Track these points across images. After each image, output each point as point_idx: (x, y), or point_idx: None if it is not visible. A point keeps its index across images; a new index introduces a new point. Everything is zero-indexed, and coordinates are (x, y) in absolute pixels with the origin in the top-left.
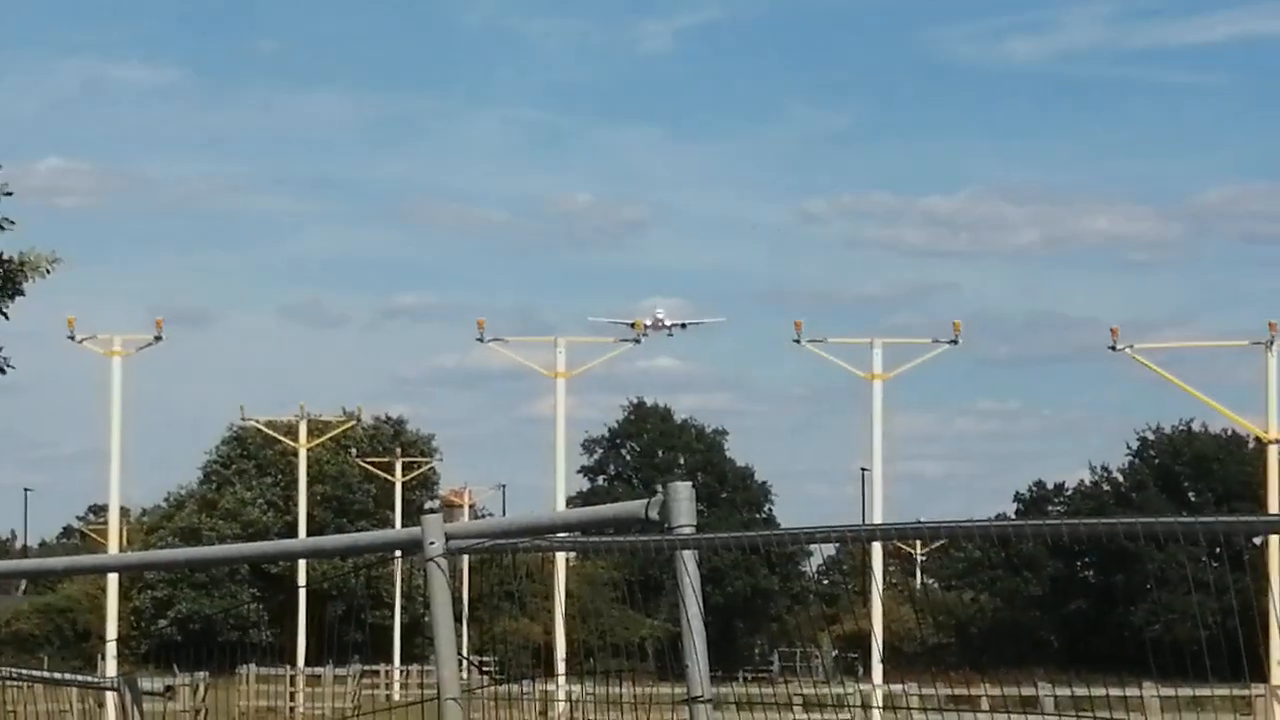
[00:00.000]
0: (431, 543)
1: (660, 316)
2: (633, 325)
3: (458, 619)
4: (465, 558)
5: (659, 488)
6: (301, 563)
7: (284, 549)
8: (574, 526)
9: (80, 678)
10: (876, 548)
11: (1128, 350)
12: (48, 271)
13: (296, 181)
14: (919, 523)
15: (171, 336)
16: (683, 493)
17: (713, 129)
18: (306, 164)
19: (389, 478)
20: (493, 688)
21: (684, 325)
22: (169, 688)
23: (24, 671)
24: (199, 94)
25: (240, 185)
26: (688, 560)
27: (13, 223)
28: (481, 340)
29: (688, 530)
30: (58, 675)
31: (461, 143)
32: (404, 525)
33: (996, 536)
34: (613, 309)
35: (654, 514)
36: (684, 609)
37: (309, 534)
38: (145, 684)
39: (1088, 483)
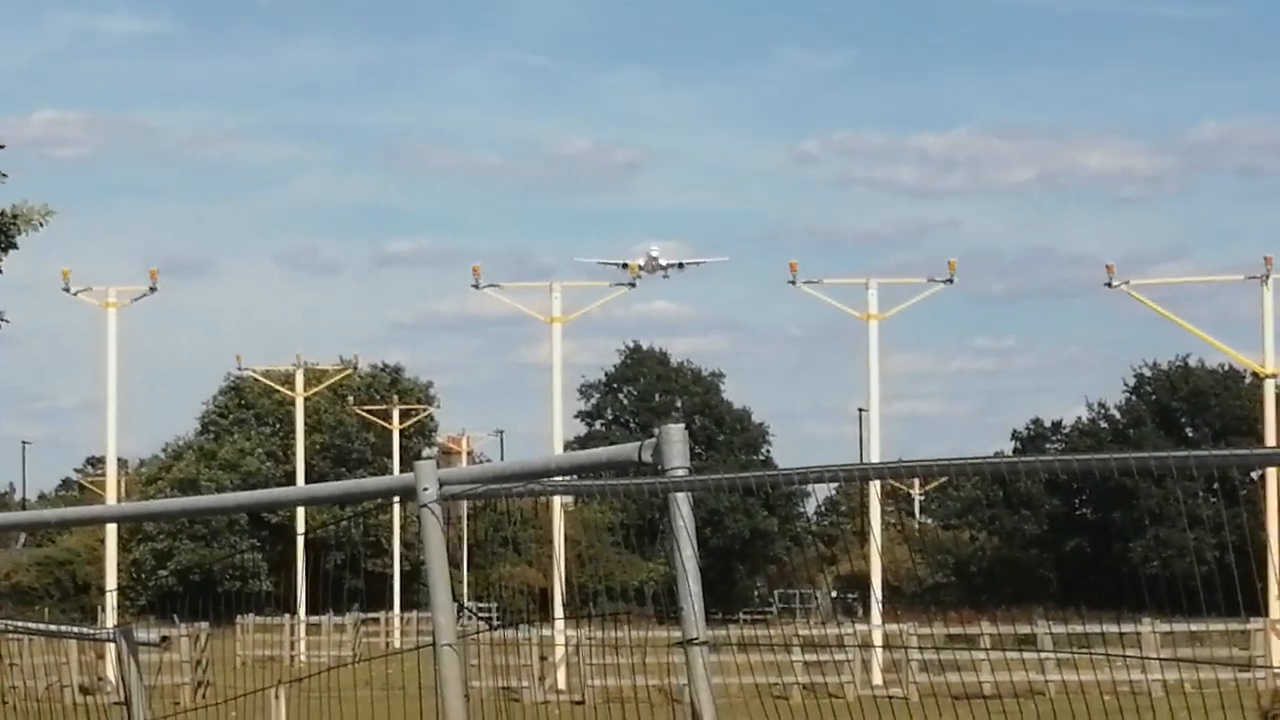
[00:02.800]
0: (425, 488)
1: (655, 256)
2: (624, 266)
3: (456, 565)
4: (464, 504)
5: (655, 430)
6: (300, 511)
7: (279, 497)
8: (568, 470)
9: (77, 629)
10: (874, 487)
11: (1124, 286)
12: (41, 224)
13: (289, 129)
14: (914, 461)
15: (167, 287)
16: (676, 435)
17: (706, 71)
18: (299, 111)
19: (387, 425)
20: (489, 633)
21: (681, 265)
22: (165, 638)
23: (22, 624)
24: (191, 43)
25: (234, 133)
26: (681, 502)
27: (5, 176)
28: (477, 286)
29: (681, 472)
30: (55, 627)
31: (454, 88)
32: (402, 471)
33: (991, 474)
34: (608, 252)
35: (647, 456)
36: (678, 551)
37: (307, 483)
38: (141, 635)
39: (1085, 420)
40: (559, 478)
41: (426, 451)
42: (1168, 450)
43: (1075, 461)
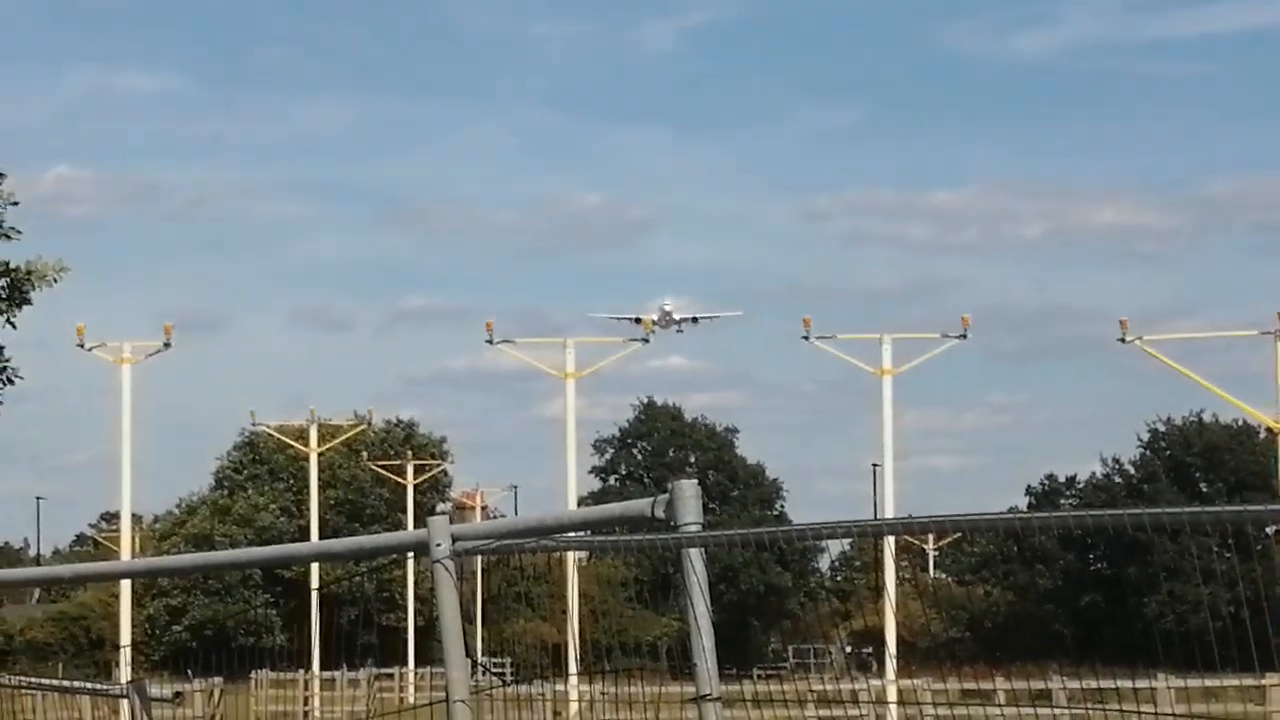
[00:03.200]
0: (438, 544)
1: (669, 310)
2: (637, 320)
3: (471, 621)
4: (479, 560)
5: (668, 485)
6: (314, 566)
7: (292, 553)
8: (580, 526)
9: (90, 685)
10: (888, 542)
11: (1137, 342)
12: (55, 280)
13: (302, 186)
14: (928, 517)
15: (181, 343)
16: (688, 490)
17: (717, 128)
18: (312, 168)
19: (401, 480)
20: (503, 689)
21: (695, 320)
22: (178, 694)
23: (36, 680)
24: (203, 100)
25: (247, 191)
26: (694, 558)
27: (19, 232)
28: (491, 342)
29: (694, 528)
30: (68, 683)
31: (466, 146)
32: (415, 527)
33: (1005, 530)
34: (620, 308)
35: (660, 512)
36: (691, 607)
37: (321, 539)
38: (155, 690)
39: (1099, 475)
40: (572, 533)
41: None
42: (1182, 506)
43: (1090, 517)
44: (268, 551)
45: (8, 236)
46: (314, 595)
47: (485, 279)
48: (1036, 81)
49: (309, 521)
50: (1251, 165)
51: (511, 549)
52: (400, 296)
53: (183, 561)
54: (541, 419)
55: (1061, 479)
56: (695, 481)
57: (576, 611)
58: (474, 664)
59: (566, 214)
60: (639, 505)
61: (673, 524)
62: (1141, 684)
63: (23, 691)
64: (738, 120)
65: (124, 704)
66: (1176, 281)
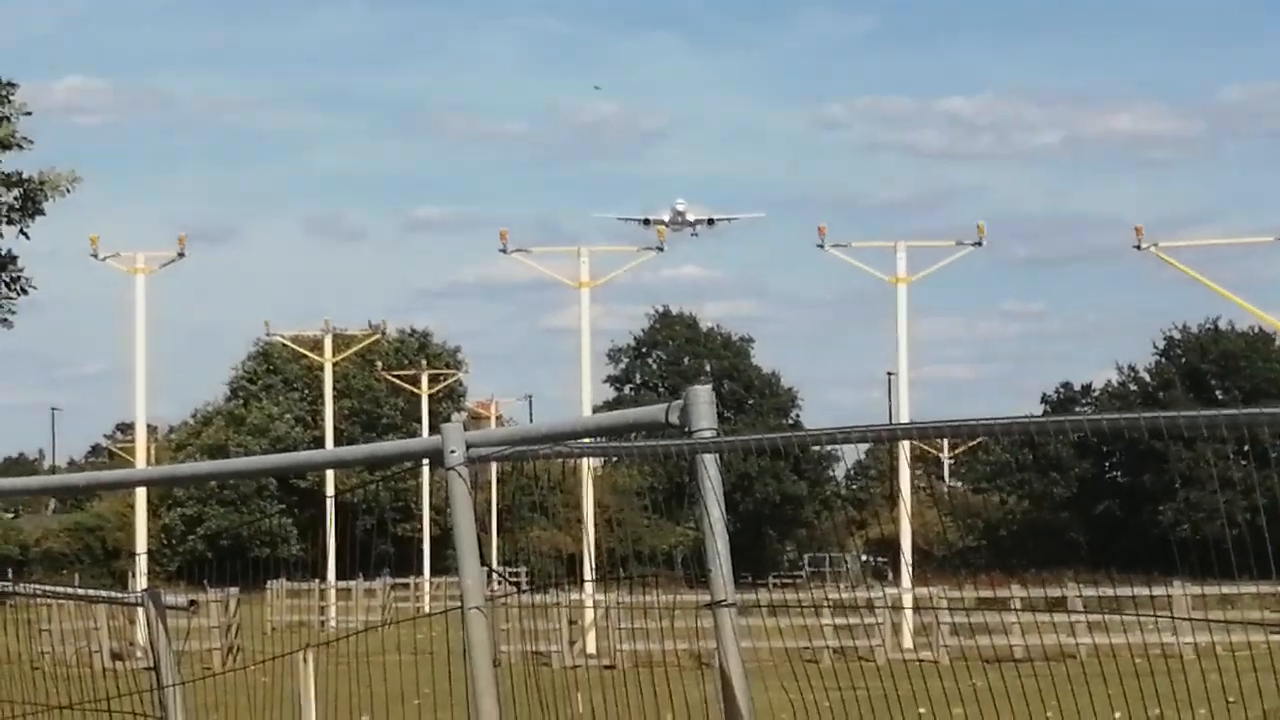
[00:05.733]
0: (452, 451)
1: (682, 210)
2: (646, 222)
3: (485, 529)
4: (493, 469)
5: (682, 392)
6: (329, 474)
7: (306, 460)
8: (595, 432)
9: (106, 594)
10: (904, 448)
11: (1153, 249)
12: (68, 190)
13: (314, 96)
14: (944, 421)
15: (194, 253)
16: (703, 396)
17: (731, 36)
18: (324, 78)
19: (415, 390)
20: (517, 596)
21: (712, 221)
22: (193, 602)
23: (53, 588)
24: (214, 9)
25: (259, 100)
26: (709, 464)
27: (31, 142)
28: (504, 251)
29: (708, 434)
30: (84, 592)
31: (478, 54)
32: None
33: (1021, 435)
34: (630, 214)
35: (674, 418)
36: (705, 513)
37: (335, 448)
38: (170, 599)
39: (1115, 383)
40: (586, 439)
41: (455, 416)
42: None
43: (1105, 421)
44: (283, 459)
45: (20, 146)
46: (329, 503)
47: (498, 188)
48: None
49: (324, 431)
50: (1267, 71)
51: (525, 455)
52: (413, 206)
53: (198, 469)
54: (555, 328)
55: (1077, 387)
56: (710, 387)
57: (592, 520)
58: (489, 572)
59: (578, 123)
60: (653, 411)
61: (687, 430)
62: (1158, 591)
63: (39, 600)
64: (751, 27)
65: (139, 613)
66: (1192, 189)
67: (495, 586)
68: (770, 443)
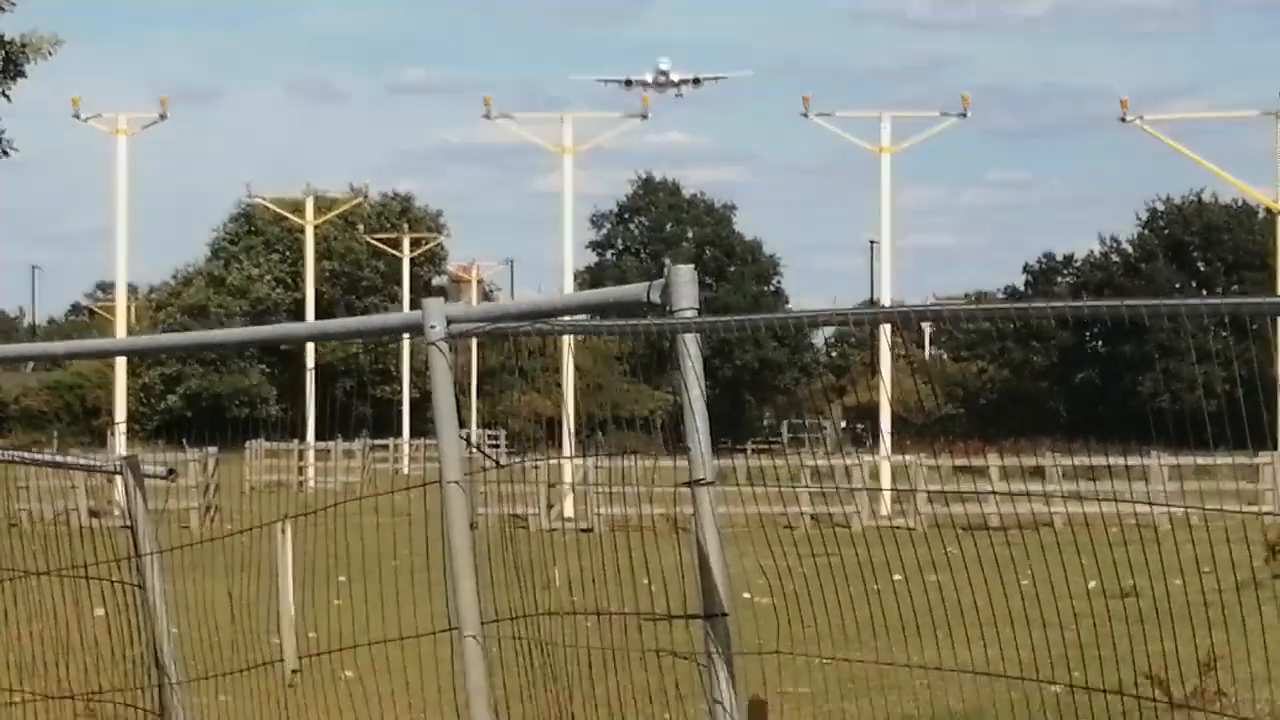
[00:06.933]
0: (433, 326)
1: (665, 70)
2: (628, 83)
3: (465, 393)
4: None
5: (666, 261)
6: (310, 345)
7: (288, 333)
8: (575, 310)
9: (82, 461)
10: (883, 331)
11: (1138, 121)
12: (50, 53)
13: None
14: (924, 306)
15: (177, 114)
16: (684, 275)
17: None
18: None
19: (396, 254)
20: (494, 468)
21: (698, 81)
22: (171, 471)
23: (28, 455)
24: None
25: None
26: (689, 343)
27: (13, 3)
28: (489, 117)
29: (690, 313)
30: (60, 458)
31: None
32: (411, 301)
33: (1001, 319)
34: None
35: (655, 297)
36: (686, 393)
37: (317, 310)
38: (148, 467)
39: (1097, 254)
40: (566, 318)
41: (436, 280)
42: (1180, 285)
43: (1086, 308)
44: (263, 331)
45: (1, 8)
46: (308, 375)
47: (482, 51)
48: None
49: (304, 293)
50: None
51: (505, 331)
52: (397, 69)
53: (176, 340)
54: (538, 192)
55: (1059, 257)
56: (692, 266)
57: (572, 389)
58: (468, 442)
59: None
60: (634, 290)
61: (669, 309)
62: (1134, 461)
63: (16, 465)
64: None
65: (118, 480)
66: (1178, 60)
67: (469, 455)
68: (752, 324)
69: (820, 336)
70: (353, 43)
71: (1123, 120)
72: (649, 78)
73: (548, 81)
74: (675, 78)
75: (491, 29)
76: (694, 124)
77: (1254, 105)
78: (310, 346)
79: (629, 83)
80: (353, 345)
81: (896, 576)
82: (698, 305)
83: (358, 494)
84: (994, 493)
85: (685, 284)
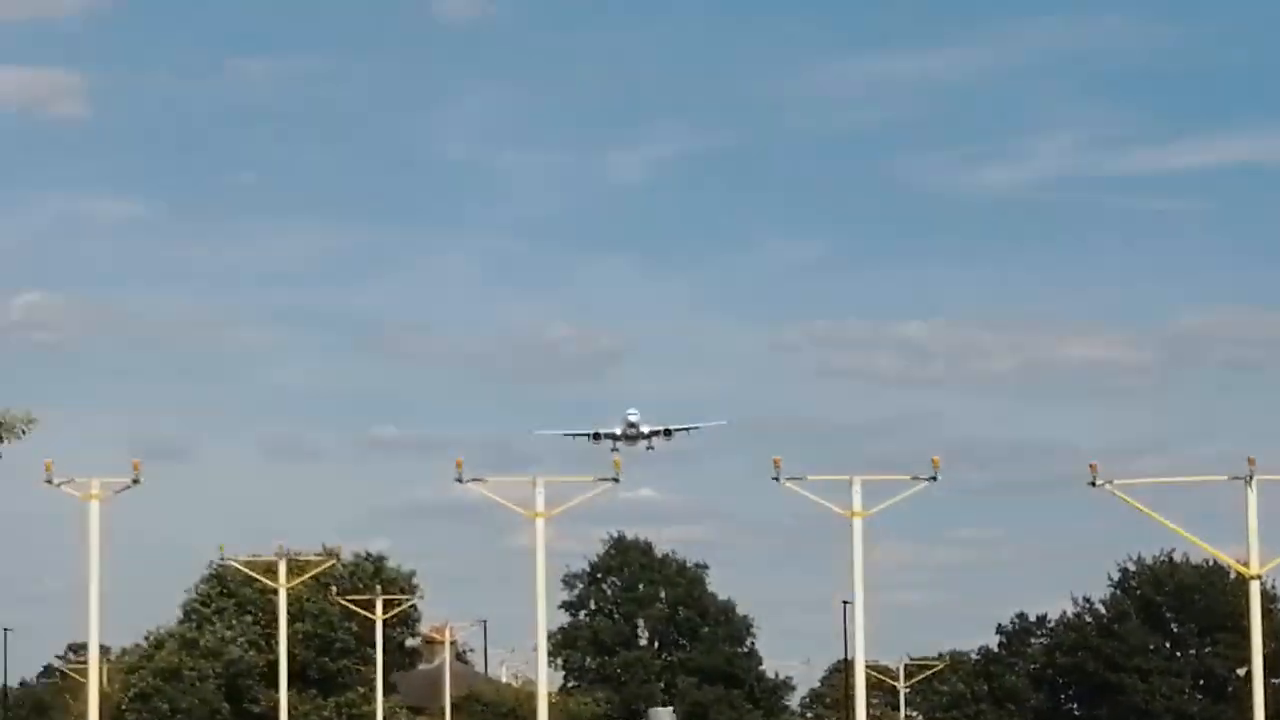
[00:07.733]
0: None
1: (634, 421)
2: (594, 437)
3: None
4: None
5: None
6: (283, 703)
7: None
8: None
9: None
10: (860, 680)
11: (1108, 486)
12: (24, 432)
13: (273, 313)
14: None
15: (150, 473)
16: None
17: (685, 259)
18: (283, 296)
19: (370, 615)
20: None
21: (668, 432)
22: None
23: None
24: (174, 226)
25: (218, 318)
26: None
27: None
28: (460, 480)
29: None
30: None
31: (436, 274)
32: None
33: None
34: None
35: None
36: None
37: (290, 673)
38: None
39: (1070, 614)
40: None
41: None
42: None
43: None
44: None
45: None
46: None
47: (454, 408)
48: (1005, 215)
49: (278, 655)
50: (1221, 299)
51: None
52: (370, 425)
53: None
54: (512, 549)
55: (1032, 618)
56: (671, 710)
57: None
58: None
59: (535, 344)
60: None
61: None
62: None
63: None
64: (706, 251)
65: None
66: (1147, 417)
67: None
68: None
69: (795, 698)
70: (325, 399)
71: (1093, 484)
72: (618, 430)
73: (516, 439)
74: (645, 429)
75: (462, 387)
76: (665, 480)
77: (1221, 462)
78: (284, 704)
79: (596, 436)
80: (326, 708)
81: None
82: None
83: None
84: None
85: None
